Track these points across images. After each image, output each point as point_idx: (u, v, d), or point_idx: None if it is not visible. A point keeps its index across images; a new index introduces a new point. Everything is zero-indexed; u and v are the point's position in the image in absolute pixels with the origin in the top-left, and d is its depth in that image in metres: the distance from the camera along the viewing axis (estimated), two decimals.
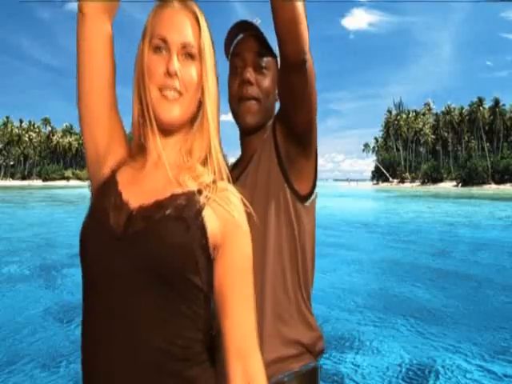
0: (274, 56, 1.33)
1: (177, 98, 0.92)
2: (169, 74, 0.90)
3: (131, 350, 0.82)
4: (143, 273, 0.82)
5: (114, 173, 0.97)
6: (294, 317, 1.24)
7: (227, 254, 0.89)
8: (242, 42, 1.33)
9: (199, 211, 0.87)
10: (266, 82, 1.32)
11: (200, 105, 0.97)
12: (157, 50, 0.92)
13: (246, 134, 1.36)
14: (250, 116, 1.31)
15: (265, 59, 1.32)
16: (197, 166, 0.96)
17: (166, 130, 0.96)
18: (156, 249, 0.83)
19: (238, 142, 1.42)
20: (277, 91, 1.32)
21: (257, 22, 1.30)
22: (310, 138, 1.24)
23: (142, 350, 0.82)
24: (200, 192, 0.90)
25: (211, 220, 0.88)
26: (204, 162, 0.97)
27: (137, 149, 0.99)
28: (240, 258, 0.91)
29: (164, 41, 0.91)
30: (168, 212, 0.86)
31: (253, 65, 1.31)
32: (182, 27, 0.92)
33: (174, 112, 0.92)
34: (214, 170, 0.96)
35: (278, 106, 1.34)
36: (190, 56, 0.93)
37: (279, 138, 1.25)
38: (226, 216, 0.90)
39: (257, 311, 1.18)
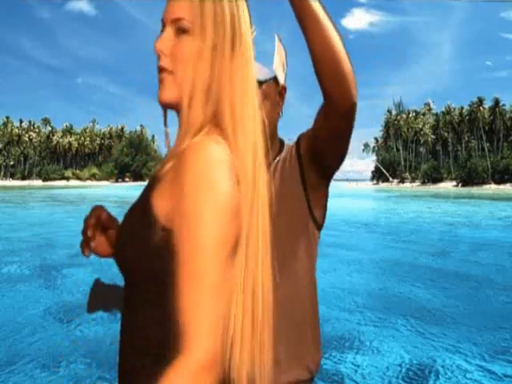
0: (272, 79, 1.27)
1: (163, 77, 0.84)
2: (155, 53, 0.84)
3: None
4: None
5: None
6: (308, 338, 1.27)
7: None
8: None
9: None
10: (266, 108, 1.22)
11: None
12: (161, 32, 0.86)
13: None
14: None
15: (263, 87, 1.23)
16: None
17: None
18: None
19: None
20: (313, 127, 1.23)
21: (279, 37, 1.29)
22: (335, 170, 1.26)
23: None
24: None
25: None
26: None
27: None
28: None
29: (162, 21, 0.86)
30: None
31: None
32: (174, 2, 0.85)
33: (160, 93, 0.84)
34: None
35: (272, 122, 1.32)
36: (183, 30, 0.83)
37: (306, 167, 1.25)
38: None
39: (273, 332, 1.19)
